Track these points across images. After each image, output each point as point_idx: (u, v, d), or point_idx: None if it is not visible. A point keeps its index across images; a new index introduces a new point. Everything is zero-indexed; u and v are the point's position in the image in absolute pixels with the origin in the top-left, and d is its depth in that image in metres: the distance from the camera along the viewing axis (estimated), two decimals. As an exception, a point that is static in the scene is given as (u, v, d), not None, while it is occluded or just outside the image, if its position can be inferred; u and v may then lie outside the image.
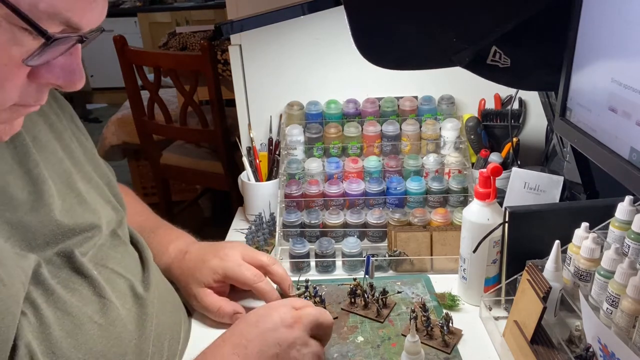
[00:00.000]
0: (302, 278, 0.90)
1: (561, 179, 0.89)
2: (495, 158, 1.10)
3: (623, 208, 0.71)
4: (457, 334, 0.80)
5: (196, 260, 0.84)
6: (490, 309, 0.83)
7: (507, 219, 0.80)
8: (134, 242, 0.78)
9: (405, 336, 0.79)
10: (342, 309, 0.87)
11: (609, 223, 0.74)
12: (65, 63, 0.49)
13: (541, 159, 1.16)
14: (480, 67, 0.75)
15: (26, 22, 0.43)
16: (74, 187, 0.65)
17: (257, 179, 1.19)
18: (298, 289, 0.87)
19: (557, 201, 0.91)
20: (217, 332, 0.82)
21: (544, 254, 0.76)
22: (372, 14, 0.74)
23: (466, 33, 0.72)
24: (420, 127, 1.16)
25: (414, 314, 0.80)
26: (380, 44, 0.75)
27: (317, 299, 0.85)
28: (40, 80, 0.49)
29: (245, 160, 1.19)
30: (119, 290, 0.66)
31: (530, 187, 0.91)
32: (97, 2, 0.48)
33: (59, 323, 0.57)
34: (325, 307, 0.84)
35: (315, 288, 0.87)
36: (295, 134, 1.17)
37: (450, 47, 0.73)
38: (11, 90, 0.47)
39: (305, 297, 0.84)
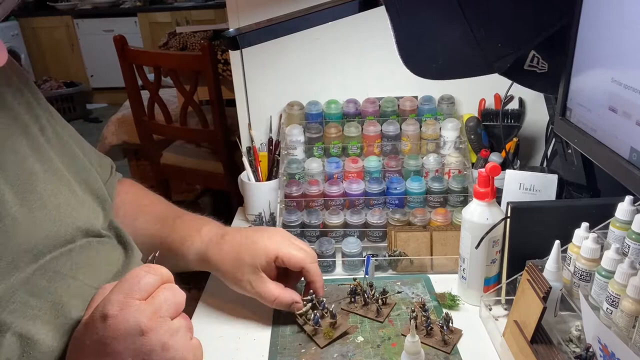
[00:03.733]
0: (304, 280, 0.89)
1: (555, 177, 0.89)
2: (495, 158, 1.10)
3: (623, 208, 0.71)
4: (457, 334, 0.80)
5: (241, 243, 0.79)
6: (490, 309, 0.83)
7: (508, 214, 0.80)
8: (121, 241, 0.72)
9: (405, 336, 0.79)
10: (342, 308, 0.87)
11: (609, 223, 0.74)
12: None
13: (541, 158, 1.16)
14: (516, 72, 0.75)
15: None
16: (35, 189, 0.59)
17: (257, 179, 1.19)
18: (305, 304, 0.85)
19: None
20: (218, 338, 0.83)
21: (544, 253, 0.76)
22: (417, 21, 0.73)
23: (512, 38, 0.72)
24: (421, 127, 1.16)
25: (414, 314, 0.80)
26: (425, 53, 0.74)
27: (326, 312, 0.82)
28: None
29: (245, 160, 1.19)
30: (84, 305, 0.60)
31: (525, 188, 0.91)
32: None
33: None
34: (335, 321, 0.81)
35: (322, 301, 0.83)
36: (295, 134, 1.17)
37: (493, 54, 0.72)
38: None
39: (315, 316, 0.81)
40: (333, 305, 0.83)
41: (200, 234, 0.82)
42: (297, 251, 0.79)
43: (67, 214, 0.63)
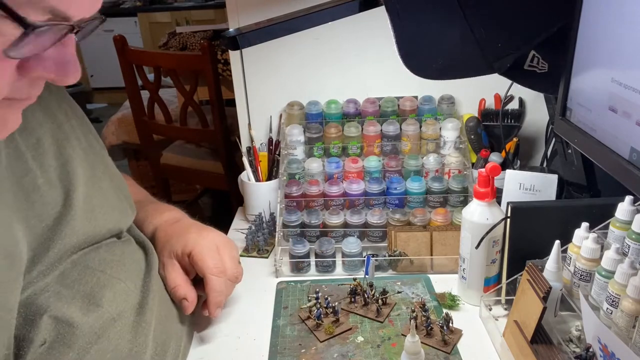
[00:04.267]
0: (305, 278, 0.90)
1: (555, 177, 0.89)
2: (495, 158, 1.10)
3: (623, 208, 0.71)
4: (457, 334, 0.80)
5: (180, 229, 0.81)
6: (490, 309, 0.83)
7: (509, 214, 0.80)
8: (140, 244, 0.77)
9: (405, 336, 0.79)
10: (342, 308, 0.87)
11: (609, 223, 0.74)
12: (57, 55, 0.46)
13: (541, 158, 1.16)
14: (516, 72, 0.75)
15: (2, 8, 0.39)
16: (77, 190, 0.64)
17: (257, 179, 1.19)
18: (309, 300, 0.86)
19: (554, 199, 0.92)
20: (218, 339, 0.83)
21: (544, 253, 0.76)
22: (417, 21, 0.73)
23: (512, 38, 0.72)
24: (421, 127, 1.16)
25: (414, 314, 0.80)
26: (425, 53, 0.74)
27: (330, 310, 0.84)
28: (30, 73, 0.46)
29: (245, 160, 1.19)
30: (117, 298, 0.65)
31: (525, 188, 0.91)
32: None
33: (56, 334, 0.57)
34: (338, 319, 0.83)
35: (327, 299, 0.85)
36: (295, 134, 1.17)
37: (493, 54, 0.72)
38: None
39: (317, 309, 0.82)
40: (337, 304, 0.84)
41: (162, 216, 0.84)
42: (210, 258, 0.77)
43: (101, 216, 0.68)
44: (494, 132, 1.15)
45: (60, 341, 0.58)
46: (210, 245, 0.79)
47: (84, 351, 0.59)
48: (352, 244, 0.98)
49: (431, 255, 0.98)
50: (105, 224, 0.68)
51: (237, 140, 1.26)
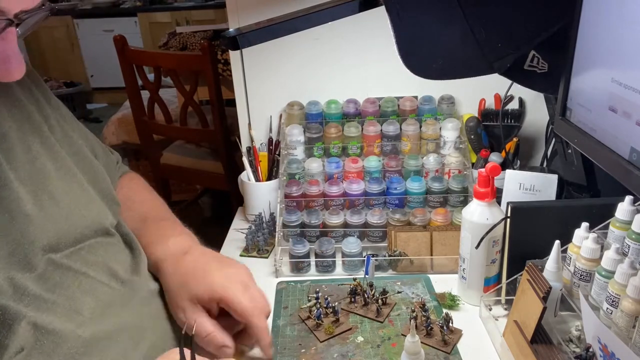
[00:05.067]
0: (305, 278, 0.90)
1: (555, 177, 0.89)
2: (495, 158, 1.10)
3: (623, 208, 0.71)
4: (457, 334, 0.80)
5: (196, 268, 0.73)
6: (490, 309, 0.83)
7: (509, 214, 0.80)
8: (126, 242, 0.73)
9: (405, 336, 0.79)
10: (342, 308, 0.87)
11: (609, 223, 0.74)
12: None
13: (541, 158, 1.16)
14: (516, 72, 0.74)
15: None
16: (47, 188, 0.61)
17: (257, 179, 1.19)
18: (309, 300, 0.86)
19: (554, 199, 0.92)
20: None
21: (544, 253, 0.76)
22: (417, 21, 0.73)
23: (512, 38, 0.72)
24: (421, 127, 1.16)
25: (414, 314, 0.80)
26: (425, 53, 0.74)
27: (330, 310, 0.84)
28: None
29: (245, 160, 1.19)
30: (100, 303, 0.62)
31: (525, 188, 0.91)
32: None
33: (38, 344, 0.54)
34: (338, 319, 0.83)
35: (326, 299, 0.85)
36: (295, 134, 1.17)
37: (493, 54, 0.72)
38: None
39: (317, 309, 0.82)
40: (337, 304, 0.84)
41: (167, 244, 0.77)
42: (246, 301, 0.69)
43: (77, 212, 0.63)
44: (494, 132, 1.15)
45: (39, 349, 0.54)
46: (240, 287, 0.71)
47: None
48: (352, 244, 0.98)
49: (431, 255, 0.98)
50: (82, 222, 0.64)
51: (237, 140, 1.26)
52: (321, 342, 0.79)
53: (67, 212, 0.62)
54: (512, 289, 0.82)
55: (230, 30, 0.85)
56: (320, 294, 0.85)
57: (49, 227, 0.59)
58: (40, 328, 0.55)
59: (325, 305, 0.84)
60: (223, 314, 0.72)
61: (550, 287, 0.68)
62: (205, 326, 0.70)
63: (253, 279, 0.75)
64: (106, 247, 0.67)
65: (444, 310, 0.84)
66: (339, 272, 1.00)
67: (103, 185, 0.71)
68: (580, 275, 0.73)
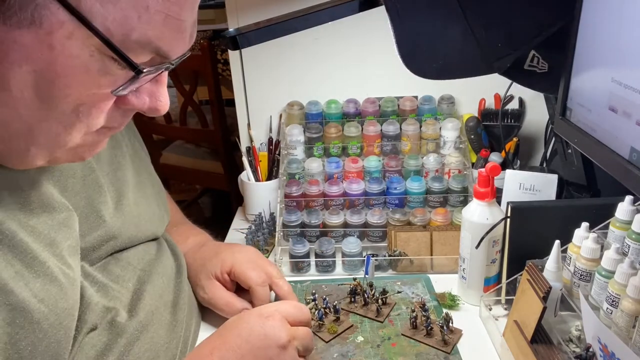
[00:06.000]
0: (305, 278, 0.90)
1: (555, 177, 0.89)
2: (495, 158, 1.10)
3: (623, 208, 0.71)
4: (457, 334, 0.80)
5: (210, 252, 0.84)
6: (490, 309, 0.83)
7: (509, 214, 0.80)
8: (172, 250, 0.80)
9: (405, 336, 0.79)
10: (342, 308, 0.87)
11: (609, 223, 0.74)
12: (151, 90, 0.49)
13: (541, 158, 1.16)
14: (516, 72, 0.75)
15: (117, 54, 0.42)
16: (126, 195, 0.68)
17: (257, 179, 1.19)
18: (307, 302, 0.86)
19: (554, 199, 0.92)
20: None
21: (544, 253, 0.76)
22: (417, 21, 0.73)
23: (512, 38, 0.72)
24: (420, 127, 1.16)
25: (414, 314, 0.80)
26: (425, 53, 0.74)
27: (329, 309, 0.84)
28: (126, 106, 0.49)
29: (245, 160, 1.19)
30: (156, 294, 0.69)
31: (525, 188, 0.91)
32: (187, 31, 0.47)
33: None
34: (338, 318, 0.83)
35: (324, 299, 0.85)
36: (295, 133, 1.17)
37: (493, 54, 0.73)
38: (99, 116, 0.47)
39: (317, 310, 0.82)
40: (336, 302, 0.84)
41: (187, 241, 0.88)
42: (252, 270, 0.80)
43: (144, 222, 0.71)
44: (494, 132, 1.15)
45: (108, 330, 0.60)
46: (247, 258, 0.82)
47: (131, 342, 0.62)
48: (352, 244, 0.98)
49: (431, 255, 0.98)
50: (148, 229, 0.72)
51: (237, 140, 1.26)
52: (326, 342, 0.79)
53: (137, 221, 0.69)
54: (512, 289, 0.82)
55: (230, 30, 0.85)
56: (317, 295, 0.85)
57: (123, 231, 0.66)
58: (108, 310, 0.61)
59: (325, 305, 0.84)
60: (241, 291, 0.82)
61: (550, 287, 0.68)
62: (223, 297, 0.80)
63: (262, 256, 0.85)
64: (157, 248, 0.75)
65: (444, 310, 0.84)
66: (339, 272, 1.00)
67: (162, 198, 0.79)
68: (580, 275, 0.73)
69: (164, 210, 0.79)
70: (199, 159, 2.30)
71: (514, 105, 1.16)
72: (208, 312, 0.84)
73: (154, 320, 0.66)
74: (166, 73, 0.50)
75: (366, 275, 0.88)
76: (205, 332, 0.82)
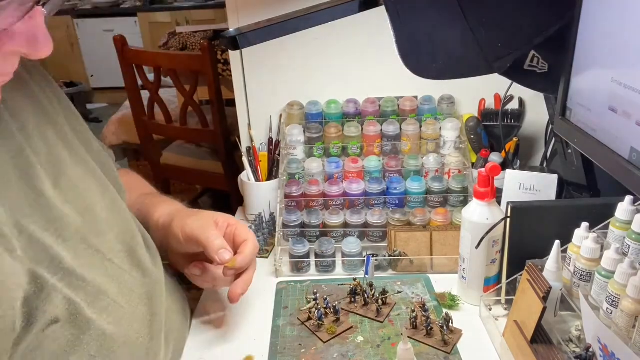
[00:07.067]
0: (305, 278, 0.90)
1: (555, 177, 0.89)
2: (495, 158, 1.10)
3: (623, 208, 0.71)
4: (457, 334, 0.80)
5: (177, 225, 0.79)
6: (490, 309, 0.83)
7: (509, 214, 0.80)
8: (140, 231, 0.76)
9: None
10: (342, 308, 0.87)
11: (609, 223, 0.74)
12: (26, 29, 0.46)
13: (541, 158, 1.16)
14: (516, 72, 0.75)
15: None
16: (65, 173, 0.63)
17: (257, 179, 1.19)
18: (308, 302, 0.86)
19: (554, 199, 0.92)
20: (217, 339, 0.83)
21: (544, 253, 0.76)
22: (417, 21, 0.73)
23: (512, 38, 0.72)
24: (420, 127, 1.16)
25: (413, 314, 0.80)
26: (425, 53, 0.74)
27: (329, 309, 0.84)
28: (2, 49, 0.46)
29: (245, 160, 1.19)
30: (124, 289, 0.65)
31: (525, 188, 0.91)
32: None
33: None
34: (339, 318, 0.83)
35: (325, 299, 0.85)
36: (295, 134, 1.17)
37: (493, 54, 0.72)
38: None
39: (317, 309, 0.82)
40: (336, 303, 0.84)
41: (174, 202, 0.86)
42: (209, 232, 0.76)
43: (94, 198, 0.67)
44: (494, 132, 1.15)
45: (72, 323, 0.57)
46: (205, 222, 0.78)
47: (99, 337, 0.59)
48: (352, 244, 0.98)
49: (431, 255, 0.98)
50: (97, 203, 0.67)
51: (237, 140, 1.26)
52: (325, 342, 0.79)
53: (85, 197, 0.65)
54: (512, 289, 0.82)
55: (230, 30, 0.85)
56: (318, 295, 0.85)
57: (68, 209, 0.62)
58: (73, 304, 0.58)
59: (325, 306, 0.84)
60: None
61: (550, 287, 0.68)
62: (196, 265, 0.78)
63: (231, 218, 0.81)
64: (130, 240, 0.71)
65: (444, 310, 0.84)
66: (339, 272, 1.00)
67: (112, 174, 0.75)
68: (580, 275, 0.73)
69: (119, 187, 0.75)
70: (199, 159, 2.30)
71: (514, 105, 1.16)
72: (202, 312, 0.84)
73: (125, 313, 0.64)
74: (39, 9, 0.47)
75: (366, 276, 0.88)
76: (197, 334, 0.82)
